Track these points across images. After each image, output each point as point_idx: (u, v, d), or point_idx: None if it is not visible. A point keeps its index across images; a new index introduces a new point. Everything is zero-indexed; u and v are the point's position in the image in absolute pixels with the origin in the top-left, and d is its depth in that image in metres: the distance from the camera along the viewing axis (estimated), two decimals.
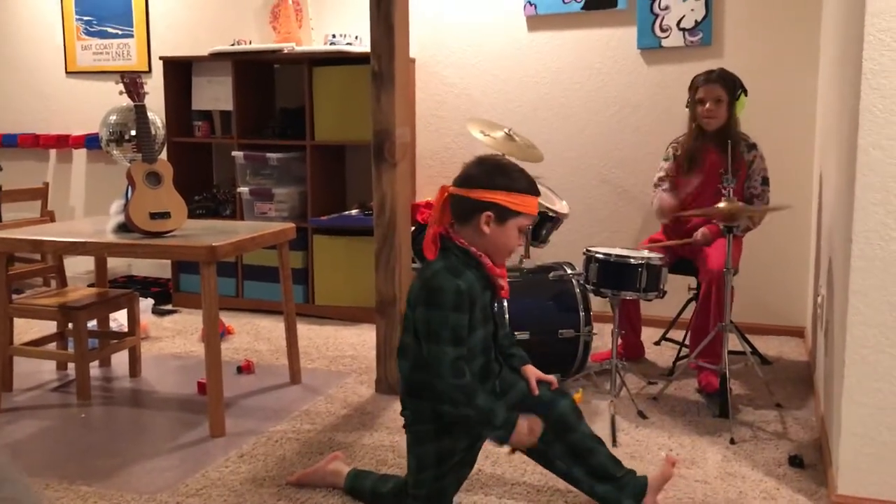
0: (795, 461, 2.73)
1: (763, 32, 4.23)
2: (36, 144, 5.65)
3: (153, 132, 3.42)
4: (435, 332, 2.13)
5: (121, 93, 3.25)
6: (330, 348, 4.14)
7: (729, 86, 3.51)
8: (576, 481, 2.37)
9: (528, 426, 2.22)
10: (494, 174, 2.19)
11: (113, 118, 3.72)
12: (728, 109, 3.52)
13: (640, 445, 2.90)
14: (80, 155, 5.70)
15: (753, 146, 3.58)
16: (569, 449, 2.33)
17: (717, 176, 3.24)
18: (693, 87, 3.60)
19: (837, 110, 2.96)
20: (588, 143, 4.58)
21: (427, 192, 4.93)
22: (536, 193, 2.24)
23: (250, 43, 4.90)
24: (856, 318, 2.32)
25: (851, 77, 2.43)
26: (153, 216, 3.14)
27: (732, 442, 2.91)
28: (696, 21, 4.27)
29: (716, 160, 3.50)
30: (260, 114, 5.01)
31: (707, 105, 3.53)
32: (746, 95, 3.56)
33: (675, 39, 4.33)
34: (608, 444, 2.87)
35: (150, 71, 5.36)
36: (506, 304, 3.40)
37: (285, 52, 4.66)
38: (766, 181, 3.58)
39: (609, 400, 3.19)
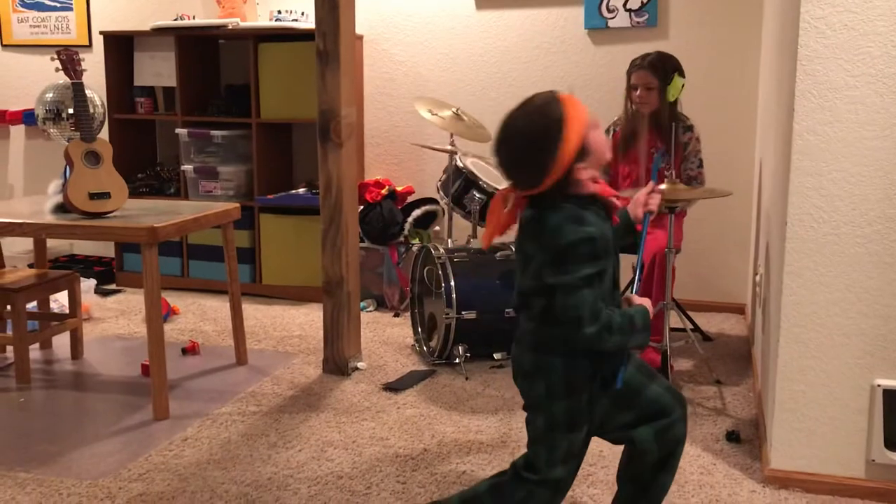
0: (732, 437, 2.81)
1: (708, 15, 4.27)
2: None
3: (91, 110, 3.33)
4: (570, 286, 1.79)
5: (57, 69, 3.17)
6: (277, 328, 4.11)
7: (660, 72, 3.49)
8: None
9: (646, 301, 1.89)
10: (539, 144, 1.82)
11: (49, 95, 3.61)
12: (659, 95, 3.51)
13: None
14: (18, 131, 5.53)
15: (690, 128, 3.60)
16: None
17: (650, 156, 3.27)
18: (628, 72, 3.62)
19: (776, 96, 3.01)
20: None
21: (376, 170, 4.90)
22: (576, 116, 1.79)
23: (193, 18, 4.79)
24: (790, 298, 2.38)
25: (788, 62, 2.47)
26: (92, 196, 3.08)
27: None
28: (642, 2, 4.30)
29: (649, 141, 3.55)
30: (204, 90, 4.92)
31: (638, 91, 3.55)
32: (683, 77, 3.56)
33: (621, 20, 4.35)
34: None
35: (90, 45, 5.21)
36: (452, 283, 3.42)
37: (229, 27, 4.57)
38: (701, 163, 3.63)
39: None
